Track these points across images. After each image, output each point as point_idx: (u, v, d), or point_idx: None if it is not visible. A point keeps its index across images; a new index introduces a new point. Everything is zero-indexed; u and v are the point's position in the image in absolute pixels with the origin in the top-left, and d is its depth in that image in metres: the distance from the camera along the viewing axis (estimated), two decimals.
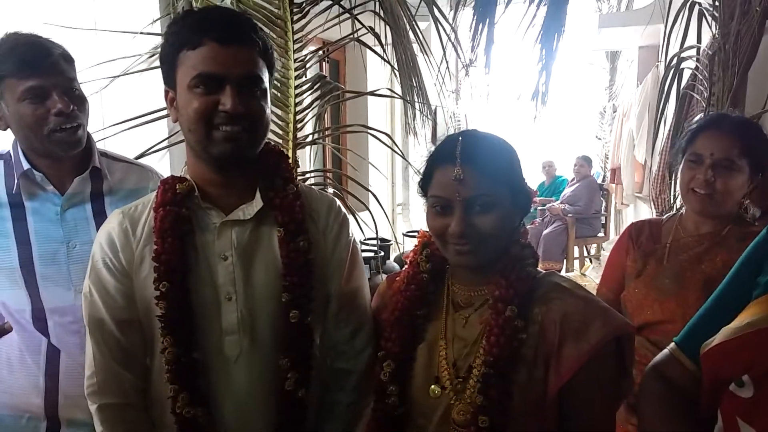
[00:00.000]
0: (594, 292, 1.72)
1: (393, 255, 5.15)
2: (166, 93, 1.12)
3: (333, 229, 1.23)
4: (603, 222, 7.14)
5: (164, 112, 2.27)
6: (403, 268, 1.15)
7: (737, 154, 1.46)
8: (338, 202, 1.27)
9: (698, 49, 2.76)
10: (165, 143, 2.33)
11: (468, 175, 0.97)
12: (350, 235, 1.27)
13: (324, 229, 1.21)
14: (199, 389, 1.09)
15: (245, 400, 1.12)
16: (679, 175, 1.59)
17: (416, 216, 7.38)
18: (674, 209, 2.92)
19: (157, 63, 2.27)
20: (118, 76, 2.23)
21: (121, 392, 1.13)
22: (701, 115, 2.65)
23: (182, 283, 1.08)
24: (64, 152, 1.40)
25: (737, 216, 1.56)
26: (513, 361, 0.97)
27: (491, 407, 0.96)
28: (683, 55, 2.84)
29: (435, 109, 4.46)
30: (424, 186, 1.06)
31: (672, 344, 0.96)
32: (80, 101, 1.42)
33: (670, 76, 2.88)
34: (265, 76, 1.10)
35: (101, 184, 1.50)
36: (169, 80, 1.09)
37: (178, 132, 2.23)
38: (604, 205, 7.15)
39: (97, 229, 1.42)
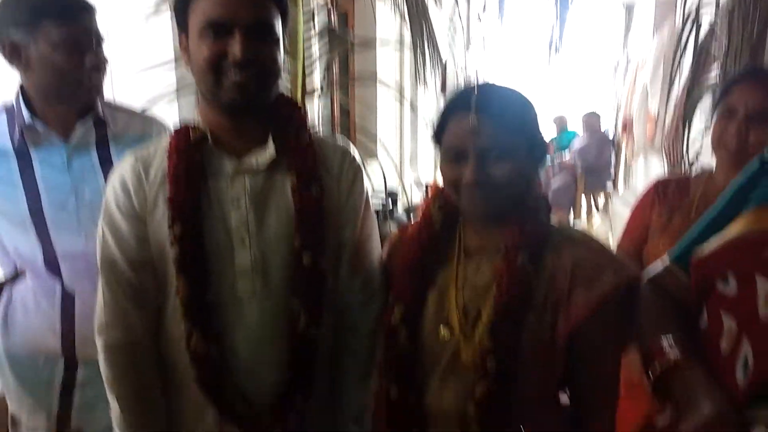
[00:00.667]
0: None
1: (401, 206, 5.17)
2: (181, 38, 1.12)
3: (347, 178, 1.24)
4: (612, 176, 7.11)
5: (172, 60, 2.26)
6: (415, 219, 1.17)
7: None
8: (353, 151, 1.29)
9: (717, 1, 2.68)
10: (173, 91, 2.31)
11: (483, 123, 0.98)
12: (364, 183, 1.29)
13: (338, 178, 1.22)
14: (213, 328, 1.13)
15: (257, 340, 1.16)
16: (711, 129, 1.54)
17: (424, 166, 7.37)
18: (686, 163, 2.90)
19: (165, 8, 2.27)
20: (125, 22, 2.20)
21: (128, 331, 1.16)
22: (718, 66, 2.60)
23: (196, 226, 1.11)
24: (86, 98, 1.45)
25: None
26: (522, 307, 1.00)
27: (500, 351, 0.99)
28: (701, 8, 2.76)
29: (445, 61, 4.37)
30: (438, 135, 1.07)
31: (667, 260, 1.02)
32: (103, 52, 1.45)
33: (688, 28, 2.80)
34: (278, 23, 1.10)
35: (105, 130, 1.52)
36: (182, 25, 1.10)
37: (187, 82, 2.25)
38: (614, 158, 7.10)
39: (105, 177, 1.45)
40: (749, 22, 2.30)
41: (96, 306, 1.20)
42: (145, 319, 1.18)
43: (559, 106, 8.65)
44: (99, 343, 1.18)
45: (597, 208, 7.13)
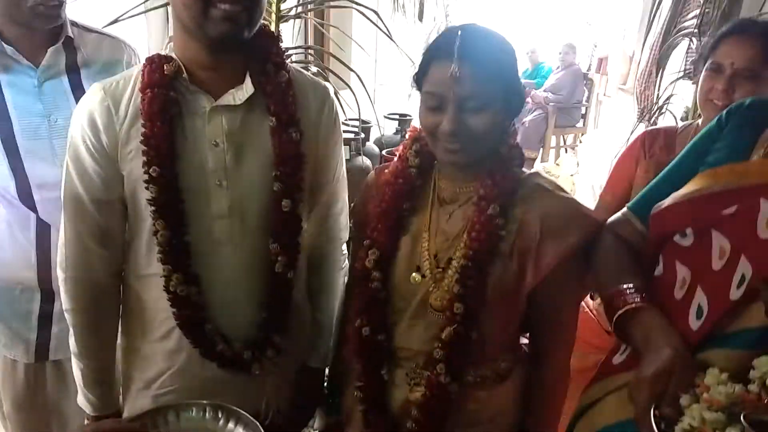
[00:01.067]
0: (566, 183, 1.78)
1: (373, 137, 5.13)
2: None
3: (326, 124, 1.23)
4: (583, 112, 7.14)
5: None
6: (392, 161, 1.18)
7: (760, 64, 1.41)
8: (331, 93, 1.26)
9: None
10: (141, 8, 2.21)
11: (465, 72, 0.96)
12: (341, 133, 1.29)
13: (317, 122, 1.21)
14: (192, 269, 1.13)
15: (234, 281, 1.18)
16: (699, 83, 1.54)
17: (398, 97, 7.26)
18: (656, 107, 2.94)
19: None
20: None
21: (89, 268, 1.16)
22: (696, 11, 2.59)
23: (172, 167, 1.08)
24: (42, 25, 1.37)
25: None
26: (490, 255, 1.04)
27: (466, 296, 1.04)
28: None
29: None
30: (419, 80, 1.06)
31: (625, 209, 1.08)
32: None
33: None
34: None
35: (75, 55, 1.47)
36: None
37: None
38: (586, 95, 7.11)
39: (77, 103, 1.40)
40: None
41: (59, 238, 1.19)
42: (108, 258, 1.18)
43: (534, 36, 8.50)
44: (60, 276, 1.19)
45: (566, 147, 7.19)
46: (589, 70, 7.44)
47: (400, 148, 1.18)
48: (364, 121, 4.47)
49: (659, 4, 2.85)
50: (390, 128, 5.45)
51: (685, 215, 0.93)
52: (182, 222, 1.11)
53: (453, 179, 1.12)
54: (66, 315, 1.20)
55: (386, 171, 1.18)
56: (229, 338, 1.19)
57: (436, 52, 1.02)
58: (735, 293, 0.83)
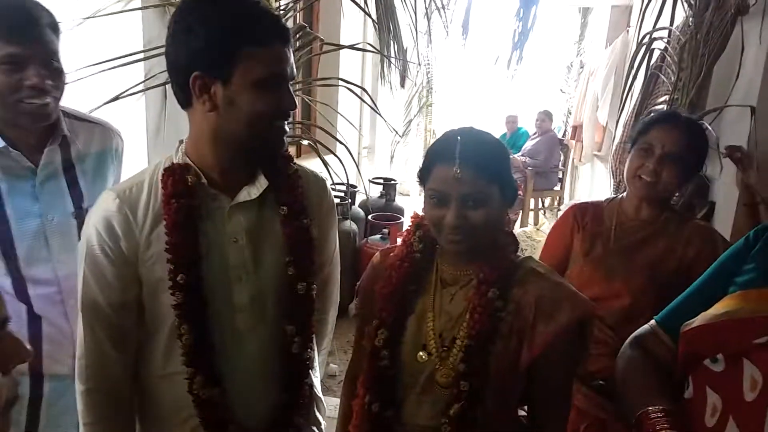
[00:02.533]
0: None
1: (358, 200, 5.23)
2: (202, 81, 1.04)
3: (326, 212, 1.33)
4: (560, 176, 7.35)
5: (140, 55, 2.23)
6: (397, 245, 1.28)
7: (686, 150, 1.61)
8: (328, 185, 1.37)
9: (670, 31, 2.83)
10: (141, 86, 2.29)
11: (465, 173, 1.08)
12: (336, 219, 1.39)
13: (318, 211, 1.29)
14: (215, 370, 1.16)
15: (256, 369, 1.22)
16: (627, 162, 1.71)
17: (381, 161, 7.42)
18: None
19: (135, 4, 2.24)
20: (92, 16, 2.15)
21: (109, 376, 1.18)
22: (666, 97, 2.76)
23: (197, 271, 1.12)
24: (30, 124, 1.39)
25: (671, 205, 1.76)
26: (492, 335, 1.13)
27: (472, 374, 1.12)
28: (655, 34, 2.91)
29: (405, 54, 4.43)
30: (423, 177, 1.17)
31: (653, 321, 1.12)
32: (57, 74, 1.38)
33: (641, 53, 2.96)
34: None
35: (69, 151, 1.49)
36: (220, 71, 1.04)
37: (154, 76, 2.23)
38: (562, 159, 7.34)
39: (73, 201, 1.46)
40: (698, 56, 2.46)
41: (76, 345, 1.19)
42: (124, 362, 1.19)
43: (511, 103, 8.80)
44: (79, 388, 1.18)
45: (544, 209, 7.37)
46: (564, 136, 7.70)
47: (404, 233, 1.28)
48: (350, 186, 4.58)
49: (631, 84, 3.03)
50: (375, 192, 5.56)
51: (715, 339, 0.93)
52: (207, 323, 1.14)
53: (454, 263, 1.21)
54: (83, 429, 1.19)
55: (392, 254, 1.27)
56: (249, 428, 1.22)
57: (439, 155, 1.13)
58: None
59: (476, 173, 1.09)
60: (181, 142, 1.19)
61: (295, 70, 1.12)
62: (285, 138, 1.12)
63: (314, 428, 1.38)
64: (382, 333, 1.19)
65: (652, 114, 1.80)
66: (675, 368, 1.02)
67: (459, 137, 1.11)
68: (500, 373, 1.13)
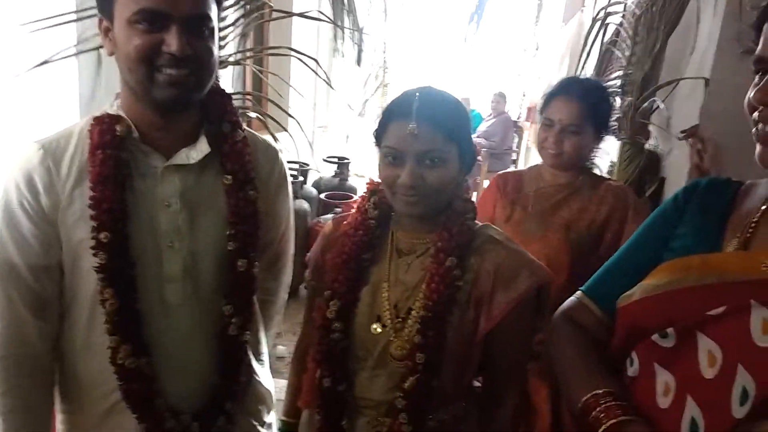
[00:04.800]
0: None
1: (311, 179, 5.12)
2: (100, 21, 1.02)
3: (275, 184, 1.24)
4: (514, 158, 7.40)
5: (73, 16, 2.07)
6: (351, 213, 1.21)
7: (582, 119, 1.69)
8: (280, 155, 1.27)
9: (625, 5, 2.83)
10: (73, 50, 2.13)
11: (422, 130, 1.02)
12: (290, 191, 1.29)
13: (267, 180, 1.21)
14: (141, 339, 1.07)
15: (186, 346, 1.12)
16: (537, 134, 1.80)
17: (336, 140, 7.31)
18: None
19: None
20: None
21: (24, 343, 1.07)
22: (620, 72, 2.75)
23: (123, 232, 1.03)
24: None
25: (587, 168, 1.83)
26: (449, 305, 1.08)
27: (428, 345, 1.07)
28: (610, 9, 2.91)
29: (361, 31, 4.31)
30: (379, 136, 1.11)
31: (579, 292, 1.04)
32: None
33: (596, 29, 2.95)
34: (214, 14, 1.02)
35: None
36: (105, 9, 0.99)
37: (88, 39, 2.08)
38: (516, 141, 7.38)
39: None
40: (654, 29, 2.45)
41: None
42: (45, 330, 1.09)
43: (464, 84, 8.82)
44: None
45: None
46: (518, 118, 7.75)
47: (358, 200, 1.21)
48: (302, 164, 4.47)
49: (585, 60, 3.02)
50: (329, 171, 5.46)
51: (662, 312, 0.85)
52: (132, 289, 1.05)
53: (410, 231, 1.16)
54: None
55: (345, 222, 1.20)
56: (178, 410, 1.12)
57: (396, 112, 1.07)
58: (738, 410, 0.74)
59: (434, 129, 1.03)
60: (117, 94, 1.11)
61: (203, 8, 0.99)
62: (183, 89, 1.00)
63: (252, 420, 1.28)
64: (335, 304, 1.13)
65: (556, 83, 1.86)
66: (609, 342, 0.95)
67: (417, 93, 1.06)
68: (457, 344, 1.09)
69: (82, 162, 1.04)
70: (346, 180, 5.38)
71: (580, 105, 1.69)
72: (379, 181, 1.14)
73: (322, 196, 4.79)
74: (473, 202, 1.18)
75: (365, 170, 8.25)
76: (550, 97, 1.76)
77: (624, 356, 0.92)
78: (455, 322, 1.09)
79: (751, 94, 0.80)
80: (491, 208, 1.89)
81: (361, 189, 5.04)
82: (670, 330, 0.83)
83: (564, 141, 1.70)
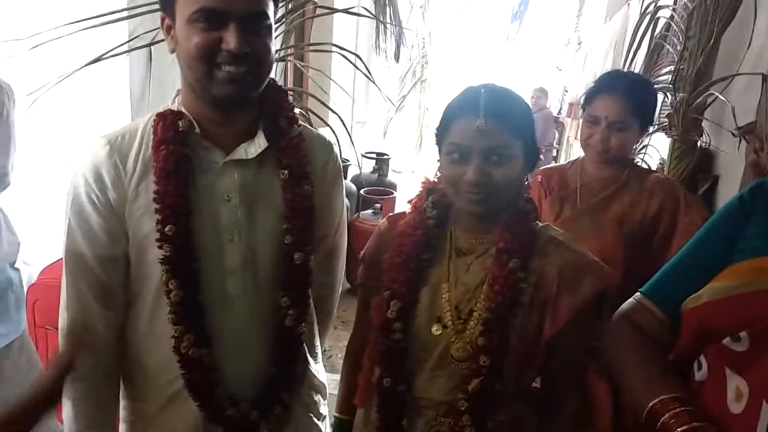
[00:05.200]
0: None
1: (350, 174, 5.14)
2: (162, 19, 1.05)
3: (332, 177, 1.25)
4: (555, 154, 7.29)
5: (124, 14, 2.11)
6: (407, 212, 1.21)
7: (629, 115, 1.69)
8: (335, 149, 1.29)
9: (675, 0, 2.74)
10: (125, 47, 2.18)
11: (489, 126, 1.02)
12: (343, 185, 1.31)
13: (323, 175, 1.22)
14: (205, 330, 1.10)
15: (245, 337, 1.15)
16: (580, 129, 1.79)
17: (374, 136, 7.31)
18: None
19: None
20: None
21: (93, 331, 1.11)
22: (671, 68, 2.67)
23: (186, 225, 1.06)
24: None
25: (631, 160, 1.84)
26: (513, 307, 1.07)
27: (492, 348, 1.06)
28: (660, 2, 2.82)
29: (401, 26, 4.29)
30: (441, 134, 1.11)
31: (639, 294, 1.03)
32: None
33: (645, 23, 2.86)
34: (271, 11, 1.04)
35: None
36: (167, 7, 1.03)
37: (139, 36, 2.12)
38: (557, 137, 7.27)
39: None
40: (708, 23, 2.36)
41: (60, 302, 1.13)
42: (111, 319, 1.13)
43: (505, 80, 8.69)
44: (61, 342, 1.13)
45: None
46: (559, 113, 7.62)
47: (415, 199, 1.20)
48: (343, 159, 4.49)
49: (634, 55, 2.94)
50: (367, 167, 5.47)
51: (735, 315, 0.83)
52: (196, 281, 1.08)
53: (469, 230, 1.15)
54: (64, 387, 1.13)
55: (401, 222, 1.20)
56: (237, 399, 1.15)
57: (461, 108, 1.07)
58: None
59: (501, 125, 1.03)
60: (178, 91, 1.14)
61: (261, 6, 1.01)
62: (242, 85, 1.02)
63: (308, 410, 1.31)
64: (395, 305, 1.12)
65: (598, 79, 1.85)
66: (673, 345, 0.94)
67: (483, 90, 1.05)
68: (520, 346, 1.08)
69: (147, 157, 1.08)
70: (386, 176, 5.39)
71: (626, 101, 1.68)
72: (435, 179, 1.14)
73: (362, 191, 4.80)
74: (534, 201, 1.16)
75: (402, 166, 8.24)
76: (594, 94, 1.75)
77: (691, 360, 0.90)
78: (519, 325, 1.07)
79: None
80: (538, 205, 1.86)
81: (401, 185, 5.06)
82: (743, 334, 0.81)
83: (610, 137, 1.70)
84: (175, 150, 1.05)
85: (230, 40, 0.97)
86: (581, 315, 1.07)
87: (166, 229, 1.04)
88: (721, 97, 2.23)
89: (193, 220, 1.07)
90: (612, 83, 1.74)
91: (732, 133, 2.19)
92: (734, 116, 2.22)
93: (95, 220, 1.08)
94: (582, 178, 1.82)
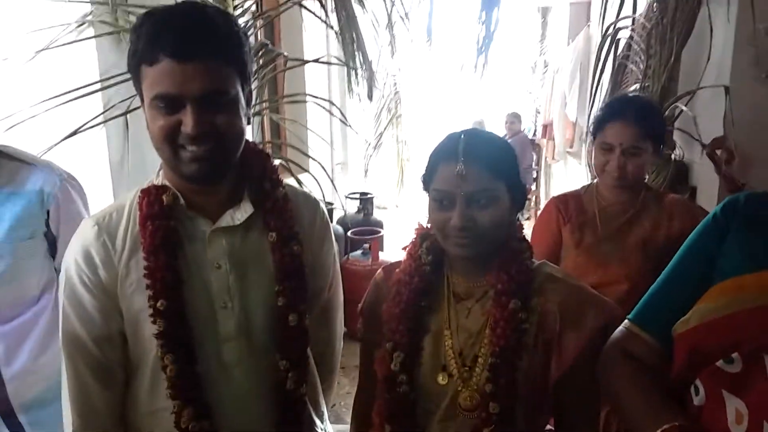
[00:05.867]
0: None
1: (336, 217, 5.16)
2: (141, 96, 1.04)
3: (319, 233, 1.25)
4: (534, 176, 7.38)
5: (97, 86, 2.14)
6: (402, 259, 1.20)
7: (642, 139, 1.69)
8: (321, 204, 1.29)
9: (634, 19, 2.83)
10: (101, 118, 2.20)
11: (470, 170, 1.03)
12: (333, 240, 1.31)
13: (310, 232, 1.22)
14: (203, 402, 1.09)
15: (245, 404, 1.14)
16: (593, 156, 1.80)
17: (356, 176, 7.36)
18: None
19: (88, 33, 2.15)
20: (45, 49, 2.06)
21: (95, 412, 1.11)
22: (636, 86, 2.75)
23: (178, 298, 1.06)
24: None
25: (646, 183, 1.85)
26: (517, 350, 1.05)
27: (500, 394, 1.04)
28: (619, 24, 2.91)
29: (371, 67, 4.37)
30: (427, 181, 1.11)
31: (627, 321, 1.01)
32: None
33: (607, 44, 2.95)
34: (235, 84, 1.02)
35: None
36: (137, 87, 1.03)
37: (114, 105, 2.14)
38: (535, 159, 7.37)
39: None
40: (667, 41, 2.44)
41: (62, 385, 1.13)
42: (110, 399, 1.13)
43: (477, 108, 8.84)
44: (66, 428, 1.12)
45: (522, 211, 7.38)
46: (535, 135, 7.74)
47: (409, 246, 1.20)
48: (327, 203, 4.51)
49: (600, 76, 3.01)
50: (352, 207, 5.49)
51: (725, 337, 0.82)
52: (191, 352, 1.08)
53: (465, 274, 1.15)
54: None
55: (397, 270, 1.19)
56: None
57: (442, 155, 1.08)
58: None
59: (480, 170, 1.03)
60: (161, 164, 1.14)
61: (218, 84, 0.99)
62: (207, 163, 1.01)
63: None
64: (398, 356, 1.11)
65: (606, 106, 1.86)
66: (668, 370, 0.92)
67: (462, 135, 1.07)
68: (528, 389, 1.06)
69: (135, 233, 1.08)
70: (371, 214, 5.40)
71: (637, 125, 1.68)
72: (429, 225, 1.14)
73: (349, 233, 4.81)
74: (528, 240, 1.16)
75: (386, 202, 8.28)
76: (605, 121, 1.75)
77: (686, 384, 0.89)
78: (525, 368, 1.06)
79: None
80: (556, 233, 1.87)
81: (385, 221, 5.04)
82: (735, 355, 0.80)
83: (627, 164, 1.70)
84: (162, 224, 1.06)
85: (187, 122, 0.97)
86: (587, 351, 1.05)
87: (158, 304, 1.04)
88: (685, 109, 2.30)
89: (184, 291, 1.07)
90: (621, 109, 1.74)
91: (701, 144, 2.25)
92: (696, 125, 2.29)
93: (88, 301, 1.08)
94: (599, 203, 1.82)
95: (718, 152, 2.04)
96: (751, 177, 2.08)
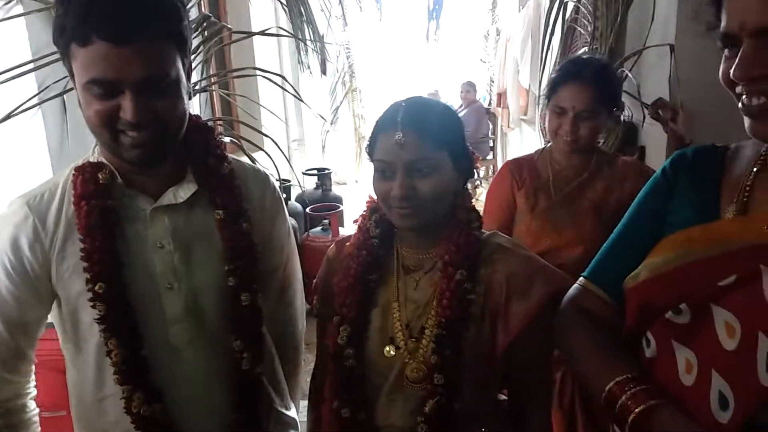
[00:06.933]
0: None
1: (294, 194, 5.09)
2: (71, 74, 0.95)
3: (271, 208, 1.21)
4: (491, 145, 7.43)
5: (31, 65, 2.03)
6: (353, 233, 1.18)
7: (596, 103, 1.67)
8: (272, 179, 1.24)
9: None
10: (36, 100, 2.09)
11: (409, 139, 1.00)
12: (287, 217, 1.27)
13: (261, 208, 1.18)
14: (153, 385, 1.05)
15: (199, 386, 1.11)
16: (546, 120, 1.78)
17: (313, 152, 7.28)
18: None
19: (19, 9, 2.04)
20: None
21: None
22: (585, 48, 2.77)
23: (118, 280, 1.01)
24: None
25: (598, 146, 1.84)
26: (463, 320, 1.04)
27: (445, 365, 1.03)
28: None
29: (323, 40, 4.30)
30: (370, 152, 1.09)
31: (582, 278, 1.02)
32: None
33: (555, 8, 2.95)
34: (175, 62, 0.94)
35: None
36: (66, 66, 0.95)
37: (49, 86, 2.04)
38: (491, 128, 7.41)
39: None
40: (613, 2, 2.46)
41: None
42: (15, 386, 1.11)
43: (432, 78, 8.82)
44: None
45: (480, 180, 7.44)
46: (489, 104, 7.78)
47: (359, 219, 1.18)
48: (283, 181, 4.44)
49: (549, 41, 3.03)
50: (310, 184, 5.43)
51: (673, 289, 0.83)
52: (136, 336, 1.03)
53: (415, 246, 1.13)
54: None
55: (347, 244, 1.17)
56: None
57: (383, 124, 1.05)
58: (766, 377, 0.72)
59: (420, 138, 1.01)
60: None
61: (158, 68, 0.92)
62: (149, 148, 0.96)
63: None
64: (345, 330, 1.09)
65: (560, 68, 1.83)
66: (621, 325, 0.93)
67: (403, 104, 1.04)
68: (475, 361, 1.05)
69: (70, 214, 1.03)
70: (330, 190, 5.36)
71: (592, 89, 1.65)
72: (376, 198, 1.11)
73: (308, 209, 4.76)
74: (477, 210, 1.14)
75: (346, 177, 8.23)
76: (558, 84, 1.72)
77: (638, 338, 0.90)
78: (471, 338, 1.05)
79: (726, 68, 0.77)
80: (510, 197, 1.85)
81: (345, 196, 5.01)
82: (683, 306, 0.81)
83: (579, 127, 1.68)
84: (98, 204, 1.00)
85: (126, 109, 0.90)
86: (536, 322, 1.03)
87: (97, 287, 0.99)
88: (628, 73, 2.32)
89: (125, 273, 1.02)
90: (576, 72, 1.70)
91: (644, 105, 2.29)
92: (639, 91, 2.33)
93: (5, 285, 1.03)
94: (552, 168, 1.81)
95: (661, 112, 2.06)
96: (697, 133, 2.13)
